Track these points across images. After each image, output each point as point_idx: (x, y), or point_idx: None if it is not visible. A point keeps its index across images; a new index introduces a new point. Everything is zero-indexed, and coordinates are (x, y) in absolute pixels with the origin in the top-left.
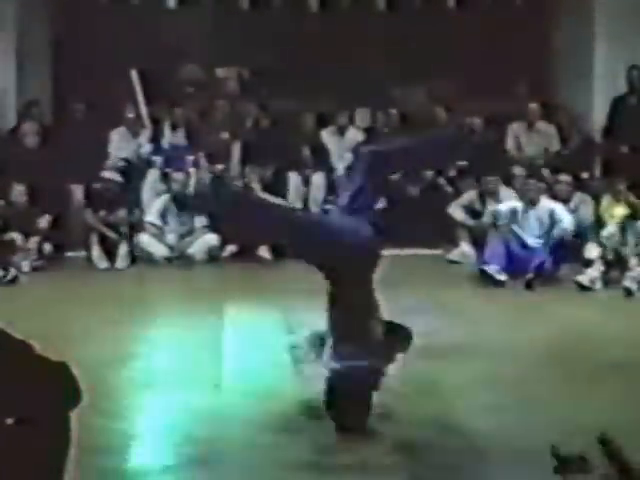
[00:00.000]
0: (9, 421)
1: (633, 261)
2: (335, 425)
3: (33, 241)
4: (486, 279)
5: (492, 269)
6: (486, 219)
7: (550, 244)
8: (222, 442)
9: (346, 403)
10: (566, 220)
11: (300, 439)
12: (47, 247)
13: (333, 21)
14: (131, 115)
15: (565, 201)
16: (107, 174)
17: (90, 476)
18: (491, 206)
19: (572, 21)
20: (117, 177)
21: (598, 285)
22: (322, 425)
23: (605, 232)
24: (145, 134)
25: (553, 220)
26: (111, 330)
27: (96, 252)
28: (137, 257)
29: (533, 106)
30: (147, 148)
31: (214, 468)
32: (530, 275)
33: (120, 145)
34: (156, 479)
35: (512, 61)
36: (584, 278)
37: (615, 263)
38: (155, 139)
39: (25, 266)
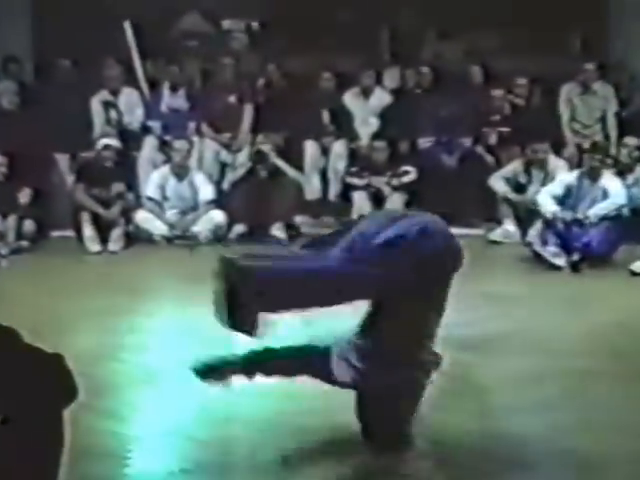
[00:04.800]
0: None
1: None
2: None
3: (12, 219)
4: (538, 262)
5: (548, 251)
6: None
7: (599, 222)
8: (232, 445)
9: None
10: (616, 195)
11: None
12: (29, 226)
13: None
14: (113, 72)
15: (627, 170)
16: (105, 140)
17: None
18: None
19: None
20: (116, 143)
21: None
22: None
23: None
24: (127, 96)
25: (605, 196)
26: (103, 320)
27: (88, 233)
28: (133, 238)
29: (589, 66)
30: (139, 114)
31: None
32: (576, 256)
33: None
34: None
35: (563, 12)
36: (637, 265)
37: None
38: (151, 102)
39: (4, 248)
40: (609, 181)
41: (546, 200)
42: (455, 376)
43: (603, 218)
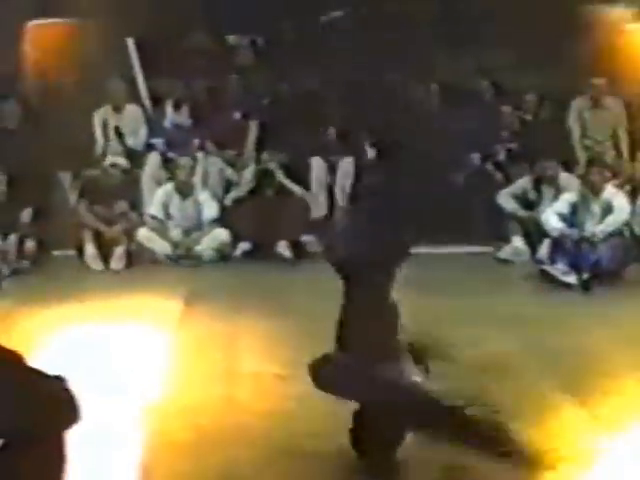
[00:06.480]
0: None
1: None
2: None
3: (12, 239)
4: (548, 281)
5: (557, 269)
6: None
7: (606, 239)
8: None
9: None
10: (620, 210)
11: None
12: (30, 245)
13: None
14: (116, 89)
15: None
16: (112, 159)
17: None
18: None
19: None
20: (123, 162)
21: None
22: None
23: None
24: (131, 114)
25: (609, 210)
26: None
27: (90, 251)
28: (136, 257)
29: (599, 81)
30: (142, 134)
31: None
32: (586, 274)
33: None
34: None
35: (573, 28)
36: None
37: None
38: (154, 119)
39: (5, 268)
40: (612, 195)
41: (551, 219)
42: (465, 397)
43: (611, 234)
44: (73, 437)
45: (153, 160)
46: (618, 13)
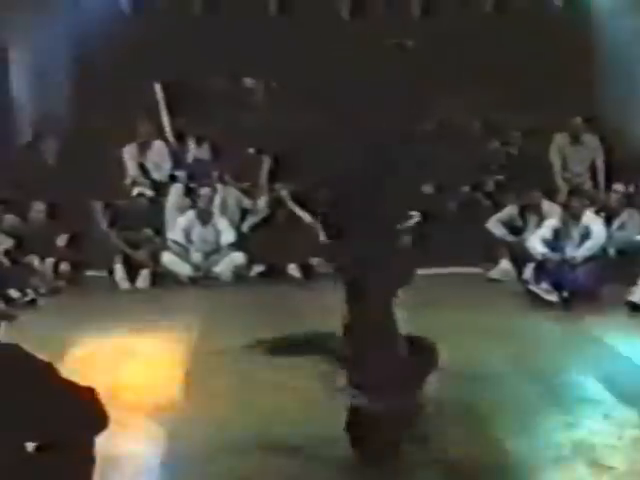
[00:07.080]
0: (30, 447)
1: None
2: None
3: (50, 261)
4: (533, 299)
5: (541, 288)
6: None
7: (585, 261)
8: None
9: (368, 435)
10: (597, 235)
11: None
12: (64, 267)
13: (365, 28)
14: (144, 128)
15: (614, 215)
16: (139, 189)
17: None
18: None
19: (620, 26)
20: (149, 192)
21: None
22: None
23: None
24: (157, 150)
25: (588, 235)
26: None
27: (119, 272)
28: (161, 278)
29: (577, 119)
30: (166, 164)
31: None
32: (566, 293)
33: (132, 164)
34: None
35: (554, 70)
36: (636, 296)
37: None
38: (178, 153)
39: (42, 287)
40: (591, 220)
41: (536, 244)
42: (456, 405)
43: (589, 258)
44: (101, 442)
45: (176, 190)
46: None
